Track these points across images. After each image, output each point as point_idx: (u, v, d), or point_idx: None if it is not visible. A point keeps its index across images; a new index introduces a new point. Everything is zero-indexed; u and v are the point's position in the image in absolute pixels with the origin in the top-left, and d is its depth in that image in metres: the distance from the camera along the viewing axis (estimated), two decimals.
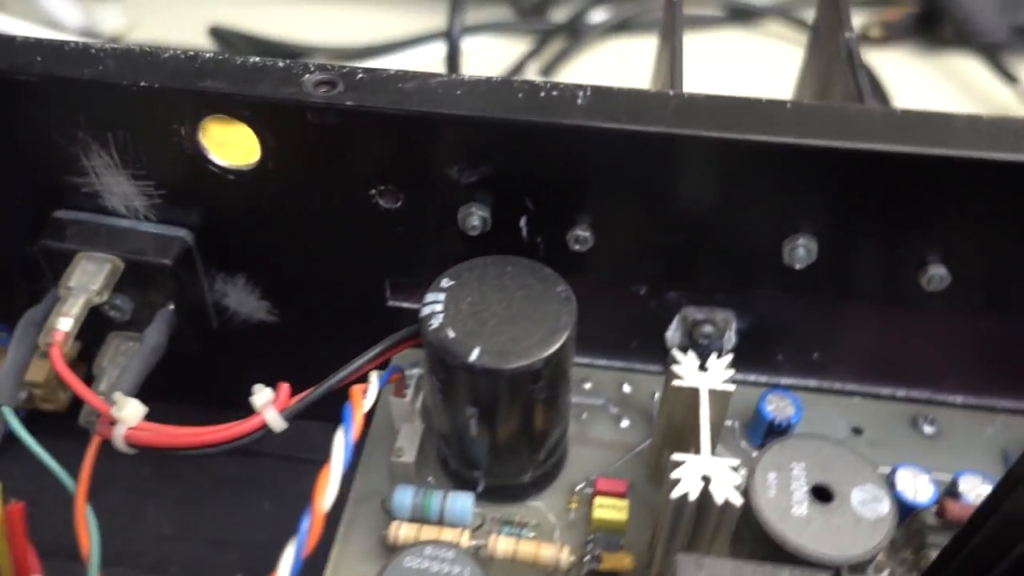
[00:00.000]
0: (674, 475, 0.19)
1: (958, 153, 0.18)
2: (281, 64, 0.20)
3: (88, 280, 0.23)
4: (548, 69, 0.49)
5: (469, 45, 0.51)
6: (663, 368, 0.26)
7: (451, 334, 0.20)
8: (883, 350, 0.25)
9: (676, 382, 0.21)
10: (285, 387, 0.21)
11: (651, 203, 0.21)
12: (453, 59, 0.40)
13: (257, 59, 0.20)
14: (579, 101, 0.19)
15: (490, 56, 0.50)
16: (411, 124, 0.20)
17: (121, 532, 0.28)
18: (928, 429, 0.25)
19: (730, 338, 0.25)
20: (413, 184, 0.22)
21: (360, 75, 0.20)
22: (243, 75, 0.20)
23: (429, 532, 0.22)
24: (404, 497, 0.22)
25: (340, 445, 0.19)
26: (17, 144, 0.23)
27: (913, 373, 0.25)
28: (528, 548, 0.21)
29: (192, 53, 0.20)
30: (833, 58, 0.26)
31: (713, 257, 0.23)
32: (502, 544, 0.21)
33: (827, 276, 0.23)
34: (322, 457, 0.26)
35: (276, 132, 0.21)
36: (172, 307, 0.25)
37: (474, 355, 0.19)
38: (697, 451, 0.19)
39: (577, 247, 0.23)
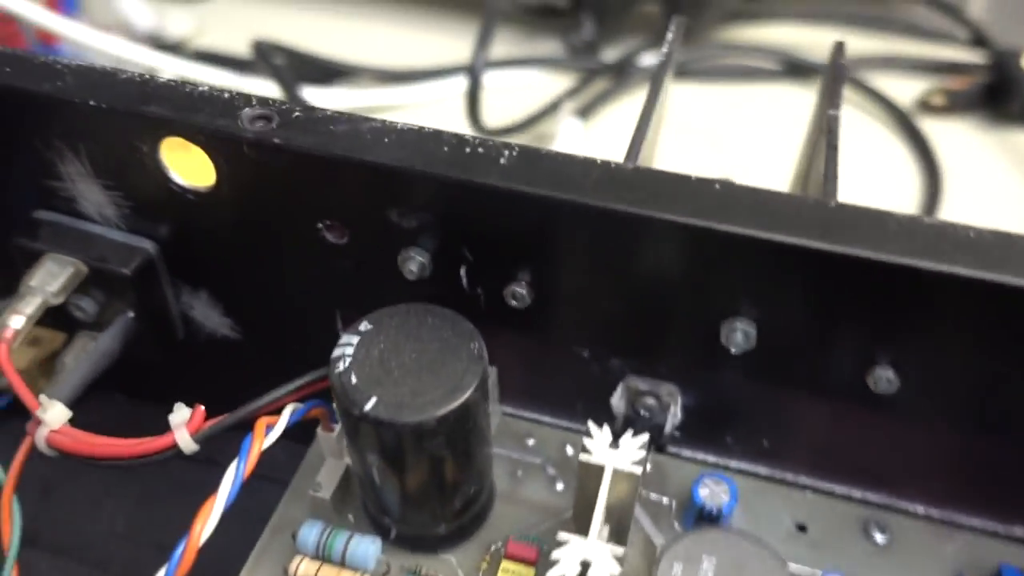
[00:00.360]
0: (554, 555, 0.18)
1: (883, 258, 0.17)
2: (227, 95, 0.21)
3: (48, 281, 0.24)
4: (586, 110, 0.49)
5: (510, 78, 0.51)
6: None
7: (353, 380, 0.19)
8: (837, 446, 0.24)
9: (583, 456, 0.20)
10: (200, 410, 0.21)
11: (583, 270, 0.21)
12: (474, 93, 0.40)
13: (206, 88, 0.21)
14: (502, 161, 0.19)
15: (529, 92, 0.50)
16: (335, 167, 0.20)
17: (74, 524, 0.29)
18: (879, 537, 0.23)
19: (675, 413, 0.24)
20: (357, 222, 0.22)
21: (296, 113, 0.20)
22: (188, 102, 0.20)
23: (329, 572, 0.22)
24: (310, 533, 0.22)
25: (229, 478, 0.19)
26: (3, 146, 0.24)
27: (870, 474, 0.24)
28: None
29: (148, 76, 0.21)
30: (821, 134, 0.25)
31: (651, 330, 0.22)
32: None
33: (769, 363, 0.22)
34: (283, 476, 0.26)
35: (225, 160, 0.22)
36: (131, 315, 0.26)
37: (370, 404, 0.19)
38: (588, 532, 0.19)
39: (515, 303, 0.22)
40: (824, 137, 0.23)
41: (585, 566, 0.18)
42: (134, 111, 0.20)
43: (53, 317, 0.26)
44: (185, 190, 0.23)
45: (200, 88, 0.21)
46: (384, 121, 0.20)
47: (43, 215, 0.26)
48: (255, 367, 0.27)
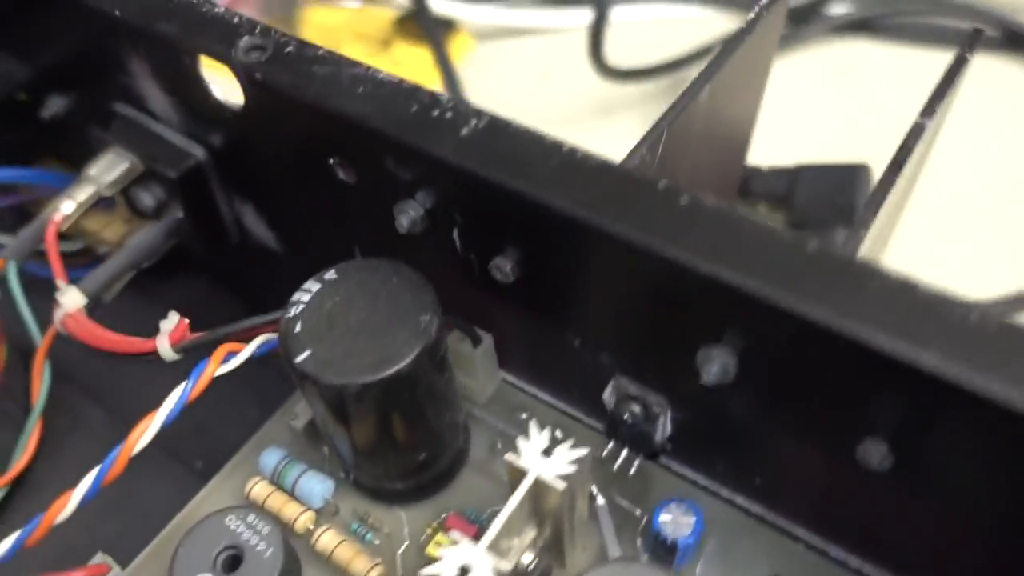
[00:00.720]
0: (439, 552, 0.17)
1: (824, 321, 0.14)
2: (236, 19, 0.21)
3: (104, 172, 0.26)
4: None
5: (671, 11, 0.47)
6: (602, 428, 0.24)
7: (296, 328, 0.19)
8: (835, 505, 0.21)
9: (509, 456, 0.19)
10: (183, 322, 0.22)
11: (557, 259, 0.19)
12: (598, 28, 0.37)
13: (222, 10, 0.21)
14: (464, 131, 0.17)
15: (693, 28, 0.46)
16: (304, 110, 0.19)
17: (135, 394, 0.32)
18: None
19: (665, 424, 0.22)
20: (361, 165, 0.22)
21: (289, 48, 0.20)
22: (196, 23, 0.21)
23: (278, 499, 0.22)
24: (270, 459, 0.23)
25: (173, 397, 0.20)
26: (84, 39, 0.26)
27: (871, 545, 0.21)
28: (345, 552, 0.21)
29: None
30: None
31: (635, 336, 0.20)
32: (326, 538, 0.22)
33: (752, 402, 0.19)
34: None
35: (242, 83, 0.22)
36: (180, 215, 0.27)
37: (302, 356, 0.19)
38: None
39: (499, 277, 0.21)
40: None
41: (464, 572, 0.17)
42: (145, 26, 0.21)
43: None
44: (224, 105, 0.24)
45: (217, 9, 0.21)
46: (369, 69, 0.19)
47: (120, 108, 0.27)
48: (296, 282, 0.28)
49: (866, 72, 0.44)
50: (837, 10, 0.46)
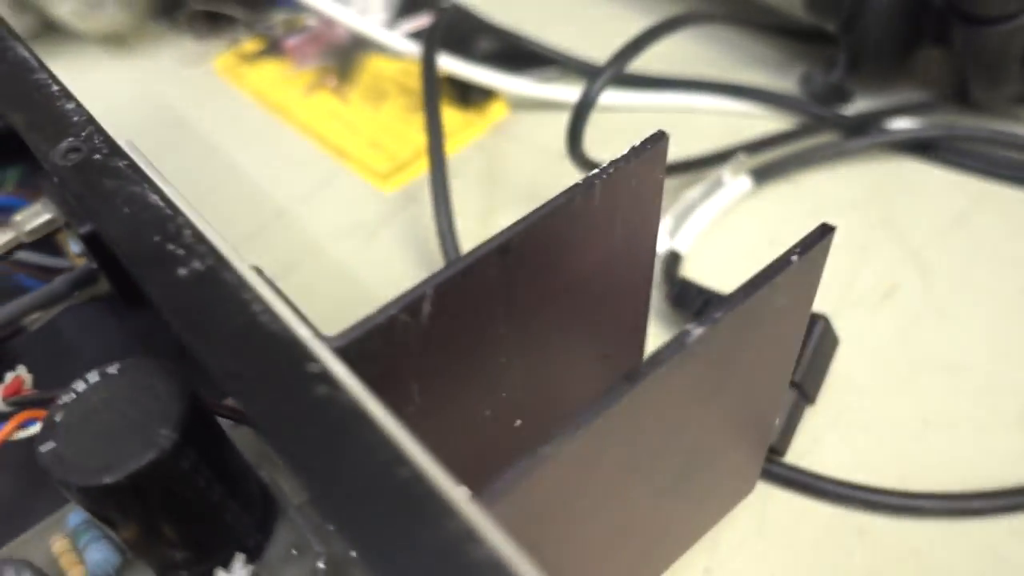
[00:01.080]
0: None
1: None
2: (75, 119, 0.22)
3: (29, 221, 0.28)
4: (784, 165, 0.41)
5: (726, 105, 0.45)
6: None
7: (55, 416, 0.20)
8: None
9: None
10: (21, 378, 0.24)
11: None
12: (579, 115, 0.35)
13: (72, 106, 0.22)
14: (181, 270, 0.18)
15: (734, 123, 0.43)
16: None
17: None
18: None
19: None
20: None
21: (98, 155, 0.21)
22: (42, 116, 0.22)
23: (69, 560, 0.24)
24: (75, 518, 0.24)
25: None
26: None
27: None
28: None
29: (49, 82, 0.23)
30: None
31: None
32: None
33: None
34: None
35: None
36: (93, 265, 0.29)
37: (44, 447, 0.20)
38: None
39: None
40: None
41: None
42: (4, 114, 0.23)
43: None
44: None
45: (67, 105, 0.22)
46: (148, 190, 0.20)
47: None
48: None
49: (912, 195, 0.40)
50: (899, 124, 0.42)
